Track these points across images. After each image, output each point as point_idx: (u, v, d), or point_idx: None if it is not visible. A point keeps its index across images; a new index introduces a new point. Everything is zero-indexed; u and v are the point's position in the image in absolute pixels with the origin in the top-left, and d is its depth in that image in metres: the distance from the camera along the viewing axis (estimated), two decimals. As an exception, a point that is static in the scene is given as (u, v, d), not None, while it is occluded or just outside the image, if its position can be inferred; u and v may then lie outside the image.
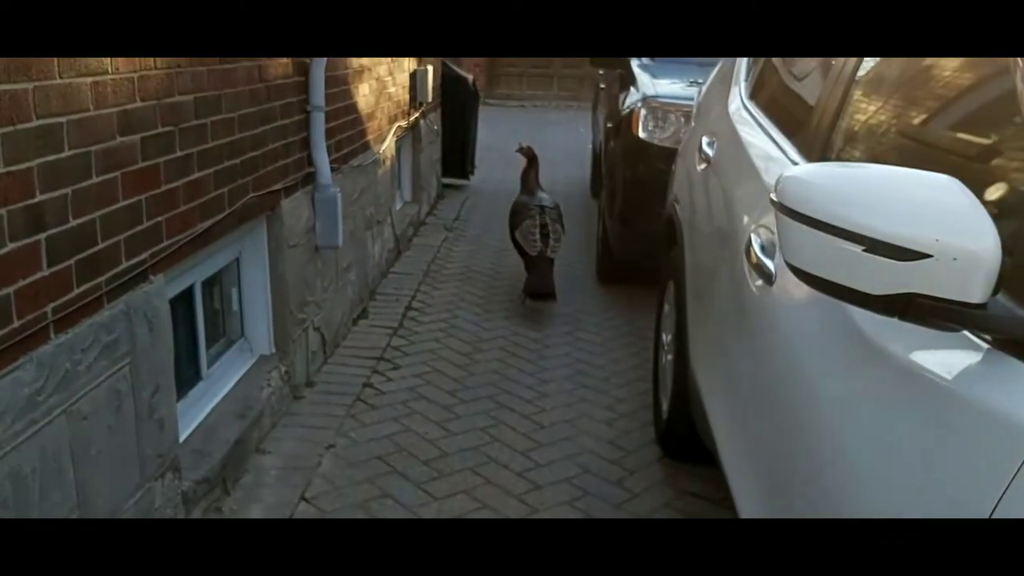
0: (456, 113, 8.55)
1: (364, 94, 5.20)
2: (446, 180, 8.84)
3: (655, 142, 5.41)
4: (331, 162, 4.47)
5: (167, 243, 2.75)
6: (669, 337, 3.75)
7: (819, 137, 2.21)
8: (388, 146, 5.96)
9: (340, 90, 4.65)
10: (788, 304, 1.96)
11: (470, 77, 8.73)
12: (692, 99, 5.44)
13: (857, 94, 2.14)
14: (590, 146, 11.07)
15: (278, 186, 3.75)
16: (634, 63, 6.20)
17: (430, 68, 7.05)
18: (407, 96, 6.64)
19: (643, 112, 5.46)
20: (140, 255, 2.59)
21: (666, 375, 3.75)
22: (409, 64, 6.61)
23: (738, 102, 3.17)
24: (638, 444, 3.87)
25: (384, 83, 5.81)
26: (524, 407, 4.19)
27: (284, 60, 3.72)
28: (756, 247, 2.19)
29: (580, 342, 5.08)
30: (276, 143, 3.71)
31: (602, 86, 7.68)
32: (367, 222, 5.38)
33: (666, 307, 3.89)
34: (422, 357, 4.70)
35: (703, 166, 3.17)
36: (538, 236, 5.47)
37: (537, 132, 13.31)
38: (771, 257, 2.09)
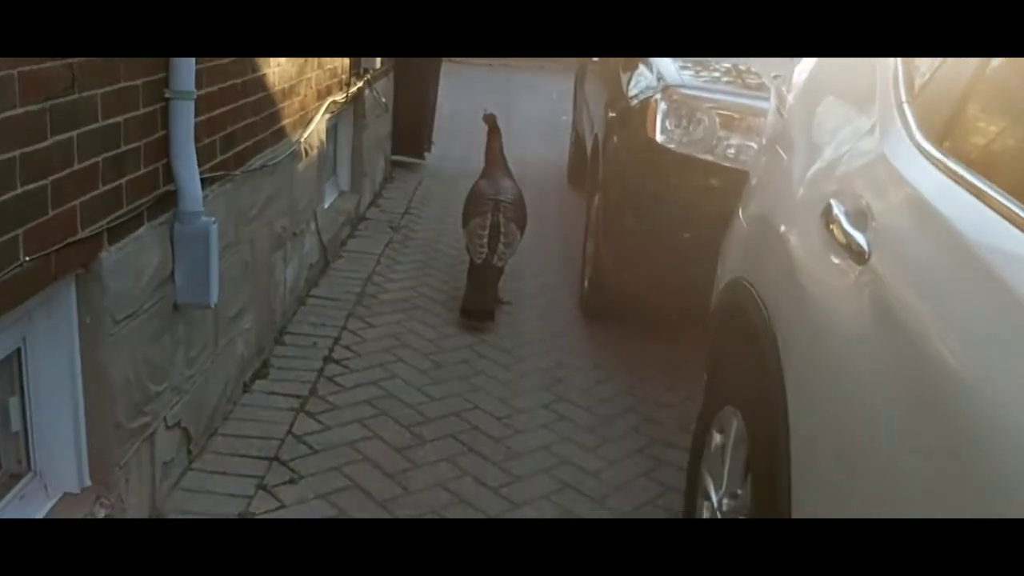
0: (412, 80, 7.02)
1: (275, 64, 3.68)
2: (397, 158, 7.31)
3: (676, 148, 3.94)
4: (212, 169, 2.99)
5: None
6: (719, 494, 2.33)
7: None
8: (316, 130, 4.45)
9: (232, 63, 3.14)
10: None
11: (430, 36, 7.16)
12: (732, 95, 4.03)
13: None
14: (565, 118, 9.57)
15: (96, 228, 2.26)
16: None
17: (379, 25, 5.51)
18: (346, 62, 5.11)
19: (662, 106, 3.99)
20: None
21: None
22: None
23: (906, 144, 1.72)
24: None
25: (311, 46, 4.28)
26: (484, 563, 2.75)
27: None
28: None
29: (563, 424, 3.64)
30: (92, 158, 2.21)
31: (595, 60, 6.18)
32: (276, 241, 3.88)
33: (716, 438, 2.46)
34: (337, 457, 3.23)
35: (843, 259, 1.71)
36: (486, 240, 4.54)
37: (505, 98, 11.76)
38: None
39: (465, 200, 4.94)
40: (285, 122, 3.92)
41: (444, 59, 7.86)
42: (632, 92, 4.43)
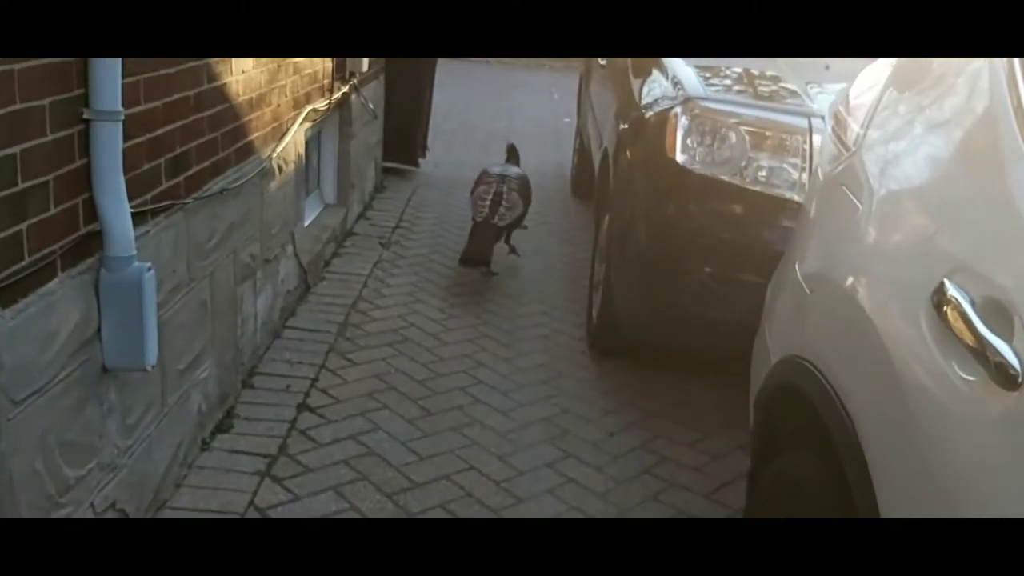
0: (405, 81, 6.53)
1: (240, 71, 3.19)
2: (389, 165, 6.82)
3: (699, 169, 3.46)
4: (157, 198, 2.50)
5: None
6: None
7: None
8: (292, 142, 3.96)
9: (180, 71, 2.65)
10: None
11: (425, 35, 6.67)
12: (762, 109, 3.54)
13: None
14: (568, 120, 9.11)
15: (-20, 290, 1.77)
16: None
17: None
18: (329, 65, 4.62)
19: (682, 121, 3.50)
20: None
21: None
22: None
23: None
24: None
25: (286, 48, 3.79)
26: None
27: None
28: None
29: (571, 488, 3.15)
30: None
31: (602, 62, 5.69)
32: (243, 272, 3.39)
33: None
34: (306, 537, 2.75)
35: (977, 375, 1.21)
36: (488, 202, 4.88)
37: (503, 97, 11.32)
38: None
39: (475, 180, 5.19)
40: (253, 136, 3.43)
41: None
42: (646, 101, 3.94)
